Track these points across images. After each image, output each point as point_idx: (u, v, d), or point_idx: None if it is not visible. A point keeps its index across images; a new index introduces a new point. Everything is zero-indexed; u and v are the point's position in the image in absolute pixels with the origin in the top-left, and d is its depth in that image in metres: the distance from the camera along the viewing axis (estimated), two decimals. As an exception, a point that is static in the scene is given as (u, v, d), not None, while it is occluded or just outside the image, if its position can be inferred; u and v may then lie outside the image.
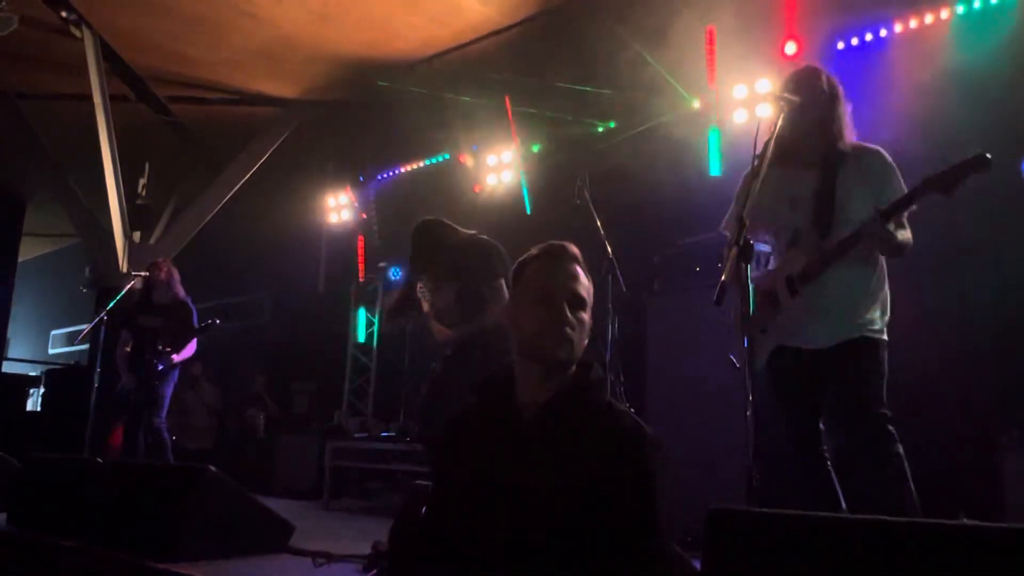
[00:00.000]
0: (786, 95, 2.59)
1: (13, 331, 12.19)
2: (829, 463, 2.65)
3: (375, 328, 8.58)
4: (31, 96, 8.35)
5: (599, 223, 4.25)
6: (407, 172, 8.30)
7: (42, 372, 10.22)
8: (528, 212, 6.72)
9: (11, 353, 12.46)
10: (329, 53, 7.08)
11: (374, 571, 2.86)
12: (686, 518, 1.82)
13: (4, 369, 10.99)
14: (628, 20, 5.54)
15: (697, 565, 1.65)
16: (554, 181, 6.21)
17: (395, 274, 8.20)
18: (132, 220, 7.98)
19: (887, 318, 2.66)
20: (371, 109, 7.70)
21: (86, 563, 3.06)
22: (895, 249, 2.57)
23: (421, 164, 8.14)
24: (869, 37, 5.12)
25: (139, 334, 5.62)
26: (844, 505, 2.59)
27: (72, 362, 10.74)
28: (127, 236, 7.85)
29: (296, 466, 6.99)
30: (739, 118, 5.57)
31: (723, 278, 2.28)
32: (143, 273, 5.84)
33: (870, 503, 2.44)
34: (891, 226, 2.48)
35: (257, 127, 8.47)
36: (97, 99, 7.32)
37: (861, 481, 2.50)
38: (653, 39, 5.43)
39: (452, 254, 3.88)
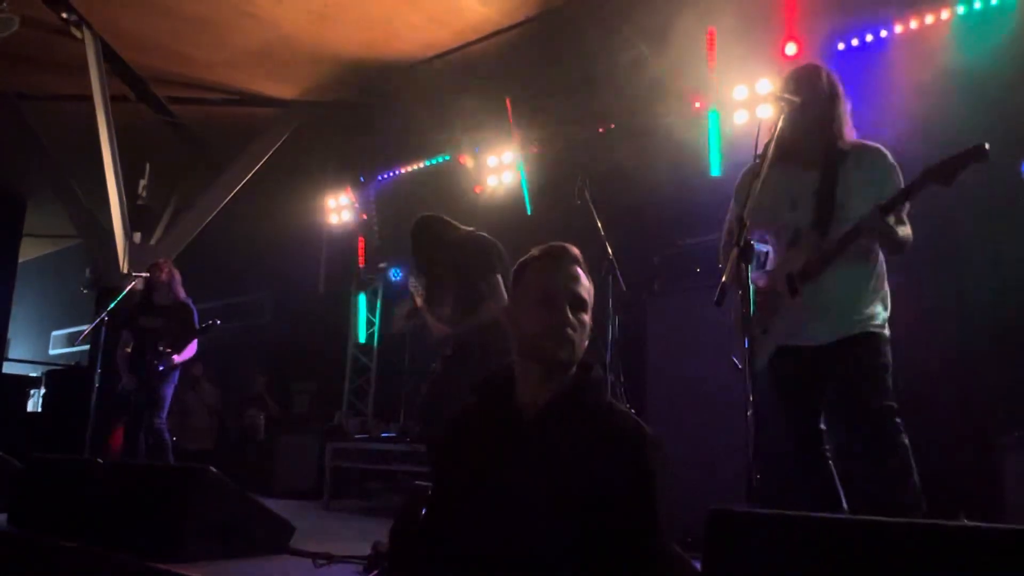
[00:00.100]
0: (786, 95, 2.59)
1: (14, 332, 12.19)
2: (831, 462, 2.65)
3: (375, 328, 8.58)
4: (32, 97, 8.35)
5: (599, 224, 4.25)
6: (407, 173, 8.30)
7: (43, 373, 10.22)
8: (529, 213, 6.73)
9: (12, 354, 12.46)
10: (329, 53, 7.09)
11: (375, 572, 2.86)
12: (686, 519, 1.82)
13: (5, 370, 10.99)
14: (629, 21, 5.55)
15: (697, 566, 1.65)
16: (555, 181, 6.22)
17: (395, 275, 8.21)
18: (133, 221, 7.98)
19: (888, 314, 2.66)
20: (372, 110, 7.71)
21: (87, 564, 3.06)
22: (896, 245, 2.56)
23: (421, 165, 8.14)
24: (869, 38, 5.12)
25: (140, 335, 5.62)
26: (846, 505, 2.58)
27: (73, 363, 10.74)
28: (128, 237, 7.85)
29: (296, 467, 6.99)
30: (740, 119, 5.57)
31: (723, 279, 2.28)
32: (144, 274, 5.83)
33: (873, 495, 2.43)
34: (891, 220, 2.48)
35: (257, 127, 8.47)
36: (98, 100, 7.32)
37: (864, 473, 2.49)
38: (654, 40, 5.43)
39: (450, 250, 3.89)
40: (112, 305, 5.79)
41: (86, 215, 8.60)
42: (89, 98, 7.31)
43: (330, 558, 3.13)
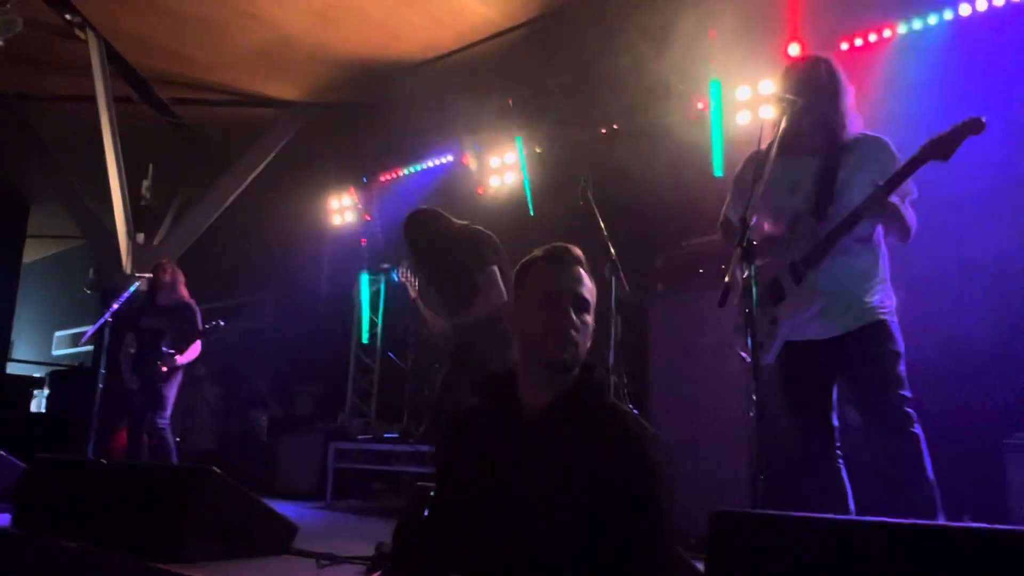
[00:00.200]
0: (788, 96, 2.59)
1: (17, 332, 12.21)
2: (841, 460, 2.64)
3: (378, 329, 8.59)
4: (35, 98, 8.36)
5: (602, 224, 4.24)
6: (410, 174, 8.31)
7: (46, 373, 10.22)
8: (531, 214, 6.72)
9: (15, 354, 12.47)
10: (332, 55, 7.09)
11: (378, 573, 2.86)
12: (689, 520, 1.81)
13: (8, 370, 11.01)
14: (630, 21, 5.54)
15: (700, 567, 1.65)
16: (557, 183, 6.21)
17: (398, 276, 8.20)
18: (136, 221, 7.99)
19: (895, 302, 2.65)
20: (374, 111, 7.70)
21: (90, 564, 3.06)
22: (901, 226, 2.54)
23: (424, 165, 8.15)
24: (873, 38, 5.11)
25: (143, 336, 5.63)
26: (852, 507, 2.57)
27: (76, 363, 10.75)
28: (131, 237, 7.85)
29: (299, 467, 6.99)
30: (742, 119, 5.57)
31: (726, 280, 2.28)
32: (147, 275, 5.85)
33: (888, 487, 2.42)
34: (895, 200, 2.47)
35: (260, 128, 8.47)
36: (101, 101, 7.33)
37: (877, 465, 2.48)
38: (656, 41, 5.43)
39: (444, 243, 3.87)
40: (116, 306, 5.81)
41: (89, 216, 8.62)
42: (92, 99, 7.32)
43: (333, 559, 3.13)
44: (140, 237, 8.15)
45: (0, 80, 7.76)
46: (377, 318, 8.61)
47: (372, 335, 8.60)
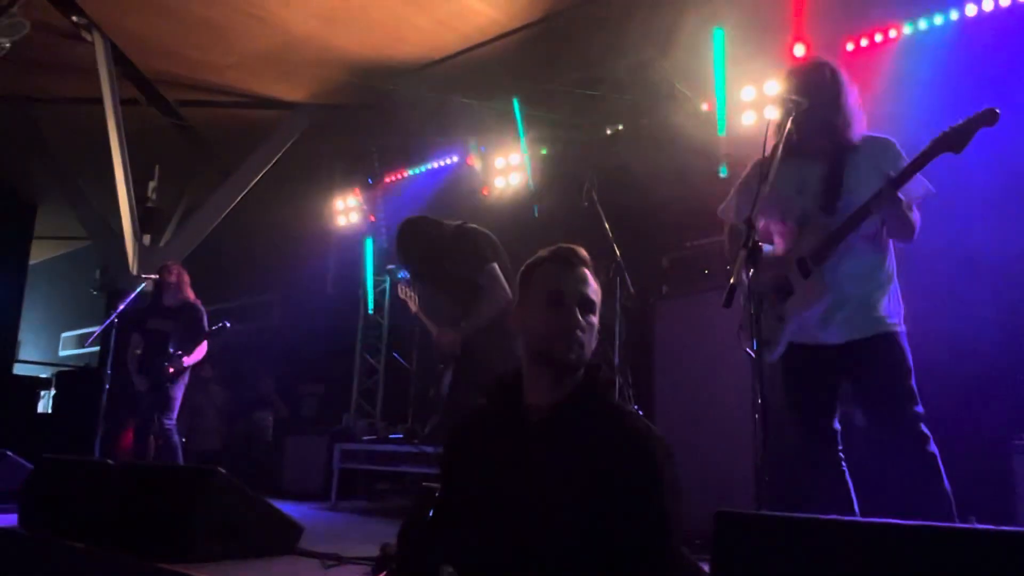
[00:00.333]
0: (794, 97, 2.58)
1: (24, 333, 12.25)
2: (844, 464, 2.63)
3: (383, 330, 8.60)
4: (42, 100, 8.39)
5: (607, 225, 4.25)
6: (415, 175, 8.33)
7: (53, 374, 10.26)
8: (536, 215, 6.72)
9: (22, 355, 12.52)
10: (337, 56, 7.11)
11: (383, 573, 2.86)
12: (694, 521, 1.81)
13: (15, 371, 11.04)
14: (635, 22, 5.53)
15: (706, 568, 1.64)
16: (562, 183, 6.21)
17: (404, 276, 8.20)
18: (142, 223, 8.01)
19: (903, 310, 2.64)
20: (379, 112, 7.72)
21: (95, 564, 3.07)
22: (905, 225, 2.53)
23: (429, 167, 8.16)
24: (879, 38, 5.10)
25: (149, 337, 5.64)
26: (857, 511, 2.56)
27: (83, 364, 10.79)
28: (137, 239, 7.88)
29: (304, 468, 7.01)
30: (747, 120, 5.56)
31: (731, 280, 2.28)
32: (153, 276, 5.87)
33: (904, 505, 2.40)
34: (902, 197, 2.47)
35: (266, 130, 8.50)
36: (107, 103, 7.35)
37: (887, 473, 2.47)
38: (661, 41, 5.42)
39: (440, 249, 3.79)
40: (122, 307, 5.83)
41: (96, 217, 8.65)
42: (99, 101, 7.35)
43: (338, 559, 3.13)
44: (146, 238, 8.17)
45: (7, 82, 7.79)
46: (382, 319, 8.62)
47: (377, 336, 8.61)
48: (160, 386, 5.45)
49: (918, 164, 2.45)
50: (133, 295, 5.95)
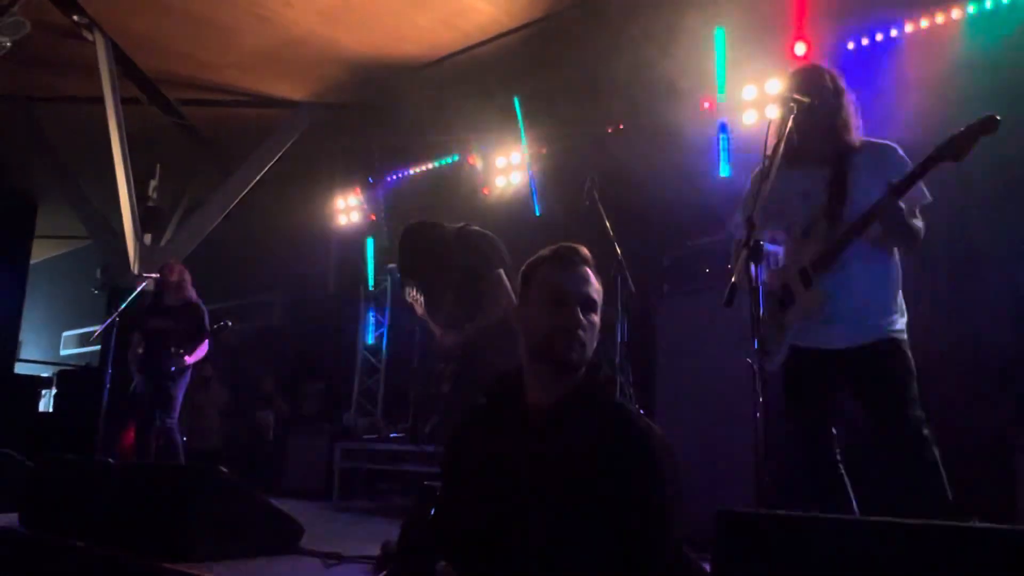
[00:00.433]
0: (796, 96, 2.58)
1: (25, 332, 12.27)
2: (842, 467, 2.63)
3: (384, 329, 8.60)
4: (43, 99, 8.41)
5: (608, 224, 4.24)
6: (416, 173, 8.33)
7: (54, 373, 10.27)
8: (537, 214, 6.72)
9: (23, 354, 12.53)
10: (338, 55, 7.11)
11: (384, 572, 2.86)
12: (695, 519, 1.81)
13: (16, 370, 11.05)
14: (636, 21, 5.53)
15: (706, 567, 1.64)
16: (563, 182, 6.21)
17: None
18: (143, 222, 8.03)
19: (905, 318, 2.63)
20: (380, 111, 7.72)
21: (96, 563, 3.07)
22: (908, 233, 2.51)
23: (430, 166, 8.16)
24: (880, 37, 5.10)
25: (150, 336, 5.64)
26: (857, 511, 2.56)
27: (84, 363, 10.80)
28: (138, 238, 7.89)
29: (306, 467, 7.01)
30: (748, 119, 5.56)
31: (733, 279, 2.27)
32: (154, 275, 5.87)
33: (901, 504, 2.39)
34: (904, 208, 2.46)
35: (267, 129, 8.50)
36: (108, 102, 7.36)
37: (894, 489, 2.45)
38: (661, 40, 5.42)
39: (444, 252, 3.79)
40: (123, 306, 5.83)
41: (97, 216, 8.66)
42: (100, 100, 7.36)
43: (339, 558, 3.14)
44: (147, 237, 8.20)
45: (8, 81, 7.80)
46: (383, 318, 8.62)
47: (378, 335, 8.61)
48: (161, 385, 5.45)
49: (920, 172, 2.44)
50: (134, 294, 5.95)
